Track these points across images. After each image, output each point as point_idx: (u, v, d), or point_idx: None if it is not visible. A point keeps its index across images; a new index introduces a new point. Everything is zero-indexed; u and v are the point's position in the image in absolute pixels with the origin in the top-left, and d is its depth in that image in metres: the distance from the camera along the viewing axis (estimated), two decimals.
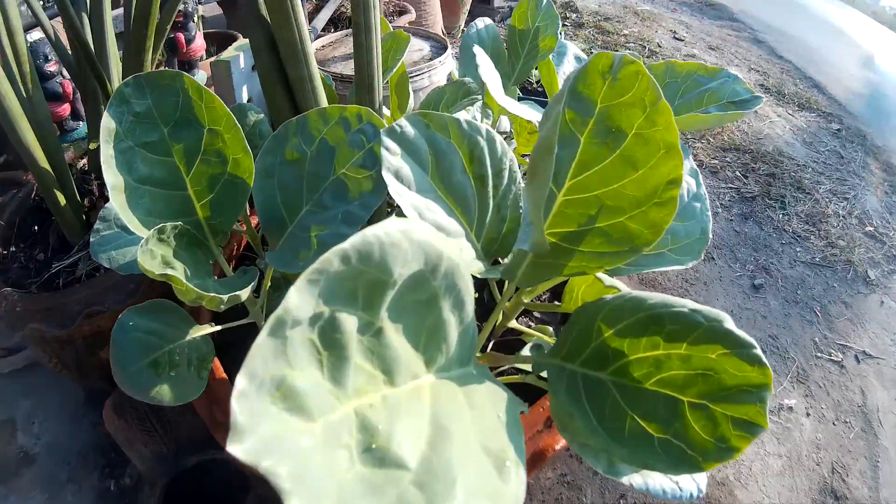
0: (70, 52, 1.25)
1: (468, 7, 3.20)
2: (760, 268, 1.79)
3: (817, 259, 1.87)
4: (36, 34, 1.58)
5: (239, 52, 1.58)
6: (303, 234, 0.58)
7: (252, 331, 0.74)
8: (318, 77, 0.65)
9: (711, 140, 2.45)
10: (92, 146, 1.35)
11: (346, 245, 0.25)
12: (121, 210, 0.57)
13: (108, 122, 0.59)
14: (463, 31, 3.34)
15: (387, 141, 0.52)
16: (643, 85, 0.46)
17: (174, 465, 1.07)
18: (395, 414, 0.29)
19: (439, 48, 1.69)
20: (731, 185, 2.18)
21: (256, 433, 0.23)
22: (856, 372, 1.50)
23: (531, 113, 0.71)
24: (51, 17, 1.90)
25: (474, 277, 0.47)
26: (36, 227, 1.34)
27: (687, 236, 0.70)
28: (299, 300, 0.24)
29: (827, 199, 2.19)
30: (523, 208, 0.58)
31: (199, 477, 1.06)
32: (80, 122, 1.68)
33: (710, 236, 0.72)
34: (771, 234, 1.95)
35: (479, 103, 0.91)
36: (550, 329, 0.73)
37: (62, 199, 1.15)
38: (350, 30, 1.92)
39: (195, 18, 1.87)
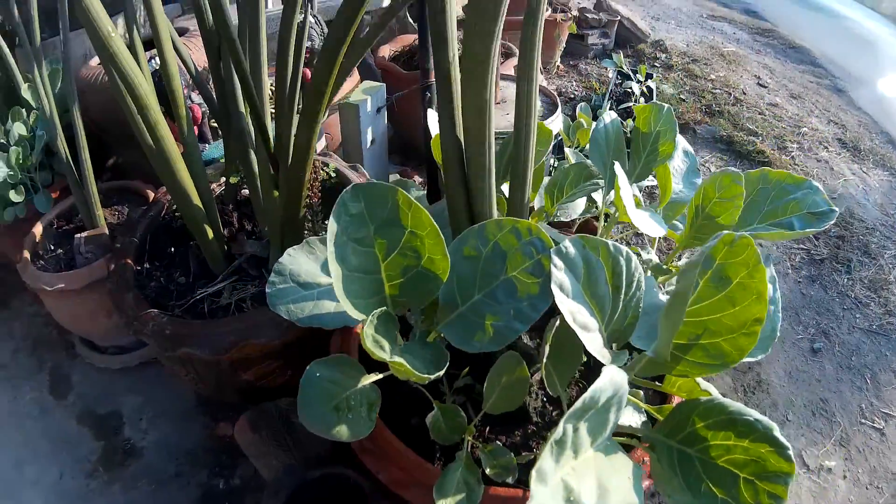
0: (211, 87, 1.39)
1: (564, 43, 3.37)
2: (821, 332, 1.94)
3: (874, 327, 1.99)
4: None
5: (367, 97, 1.80)
6: (476, 319, 0.79)
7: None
8: (494, 189, 0.86)
9: None
10: (233, 180, 1.53)
11: (588, 395, 0.47)
12: (340, 296, 0.74)
13: (332, 224, 0.76)
14: (558, 66, 3.50)
15: (555, 259, 0.73)
16: (751, 251, 0.66)
17: (300, 476, 1.15)
18: (580, 478, 0.51)
19: (549, 104, 1.88)
20: (802, 246, 2.31)
21: None
22: (895, 440, 1.64)
23: (656, 229, 0.91)
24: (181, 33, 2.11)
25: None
26: (171, 249, 1.48)
27: (763, 332, 0.89)
28: (564, 427, 0.46)
29: (891, 265, 2.29)
30: (645, 312, 0.78)
31: (320, 488, 1.14)
32: (206, 145, 1.85)
33: (778, 334, 0.91)
34: (834, 299, 2.08)
35: (600, 192, 1.10)
36: (641, 393, 0.93)
37: (210, 234, 1.30)
38: None
39: None
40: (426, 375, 0.72)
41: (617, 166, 0.96)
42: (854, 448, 1.59)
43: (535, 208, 1.16)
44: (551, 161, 1.99)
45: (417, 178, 2.26)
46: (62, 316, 1.84)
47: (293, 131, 1.12)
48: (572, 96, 3.17)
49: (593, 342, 0.72)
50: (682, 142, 1.21)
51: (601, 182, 1.11)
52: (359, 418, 0.77)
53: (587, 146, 1.34)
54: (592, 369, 1.03)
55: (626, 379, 0.53)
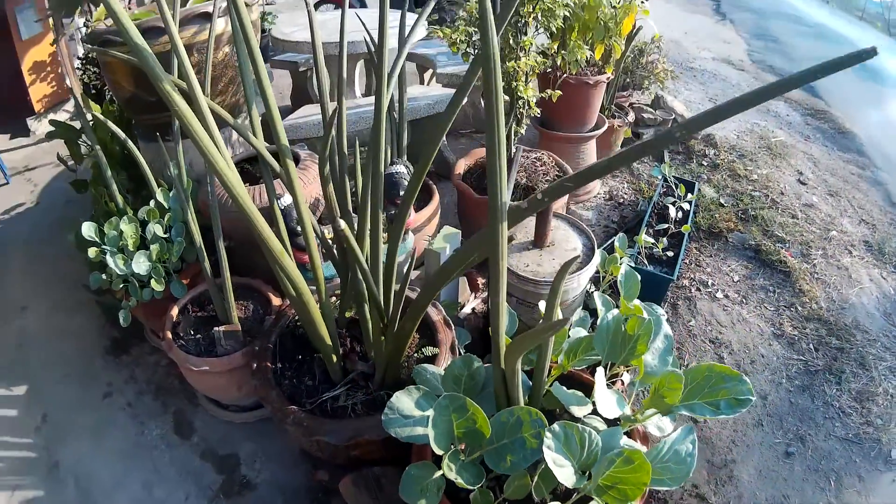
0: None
1: (619, 145, 3.90)
2: (798, 438, 2.32)
3: (850, 435, 2.34)
4: (287, 198, 2.10)
5: (446, 244, 2.41)
6: (503, 453, 1.39)
7: None
8: (522, 390, 1.48)
9: (800, 308, 2.94)
10: (347, 314, 2.08)
11: None
12: (432, 443, 1.37)
13: (432, 412, 1.39)
14: None
15: (548, 434, 1.33)
16: (640, 455, 1.24)
17: None
18: None
19: (588, 249, 2.39)
20: (801, 357, 2.66)
21: None
22: None
23: (613, 412, 1.49)
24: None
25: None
26: (299, 356, 2.00)
27: (678, 473, 1.42)
28: None
29: (883, 376, 2.58)
30: (604, 450, 1.36)
31: None
32: None
33: (691, 475, 1.43)
34: (819, 408, 2.43)
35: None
36: None
37: (334, 359, 1.89)
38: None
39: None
40: (472, 487, 1.34)
41: (599, 371, 1.54)
42: None
43: (558, 362, 1.74)
44: (588, 287, 2.55)
45: (480, 280, 2.86)
46: (199, 385, 2.22)
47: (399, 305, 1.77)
48: (621, 201, 3.65)
49: (563, 474, 1.31)
50: (664, 328, 1.72)
51: (601, 358, 1.67)
52: (432, 496, 1.42)
53: (618, 277, 1.91)
54: None
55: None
